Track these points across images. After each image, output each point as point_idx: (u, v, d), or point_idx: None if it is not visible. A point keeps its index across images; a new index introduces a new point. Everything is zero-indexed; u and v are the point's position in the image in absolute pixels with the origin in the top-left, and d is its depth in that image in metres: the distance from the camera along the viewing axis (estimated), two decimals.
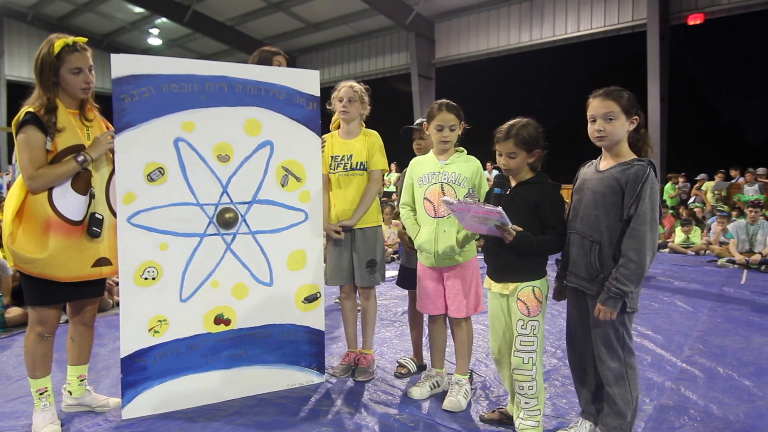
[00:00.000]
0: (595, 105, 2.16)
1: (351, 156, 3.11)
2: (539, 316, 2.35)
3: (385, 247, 3.58)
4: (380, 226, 3.21)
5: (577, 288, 2.27)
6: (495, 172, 13.38)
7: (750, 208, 7.78)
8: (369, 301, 3.22)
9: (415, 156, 3.08)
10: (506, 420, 2.57)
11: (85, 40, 2.52)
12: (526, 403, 2.37)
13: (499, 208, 2.14)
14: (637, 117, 2.14)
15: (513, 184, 2.42)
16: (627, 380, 2.18)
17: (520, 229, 2.25)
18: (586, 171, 2.31)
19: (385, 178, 13.08)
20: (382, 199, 9.95)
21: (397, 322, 4.45)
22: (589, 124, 2.20)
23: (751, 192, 10.17)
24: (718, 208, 10.57)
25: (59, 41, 2.43)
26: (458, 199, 2.35)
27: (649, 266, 2.08)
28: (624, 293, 2.07)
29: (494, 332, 2.51)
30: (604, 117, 2.14)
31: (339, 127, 4.00)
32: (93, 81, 2.54)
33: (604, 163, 2.23)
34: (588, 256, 2.19)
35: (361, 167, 3.11)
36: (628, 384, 2.18)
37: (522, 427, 2.39)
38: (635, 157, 2.15)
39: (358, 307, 3.31)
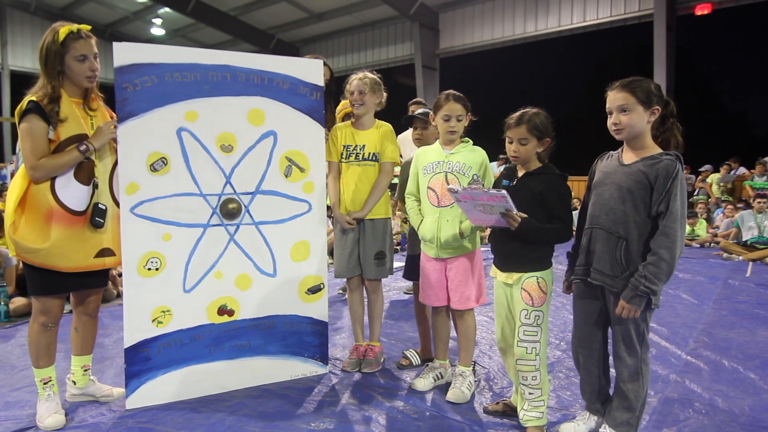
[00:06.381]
0: (611, 97, 2.13)
1: (364, 146, 3.08)
2: (543, 306, 2.33)
3: None
4: (390, 218, 3.20)
5: (593, 284, 2.21)
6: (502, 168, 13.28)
7: (758, 199, 7.72)
8: (376, 293, 3.21)
9: (416, 147, 3.06)
10: (510, 411, 2.56)
11: (89, 27, 2.50)
12: (530, 393, 2.35)
13: (504, 192, 2.12)
14: (658, 108, 2.08)
15: (520, 174, 2.40)
16: (641, 376, 2.15)
17: (525, 215, 2.22)
18: (608, 164, 2.24)
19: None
20: None
21: (395, 314, 4.45)
22: (608, 117, 2.16)
23: (761, 181, 10.06)
24: (723, 199, 10.50)
25: (64, 28, 2.41)
26: (463, 187, 2.33)
27: (677, 261, 2.04)
28: (653, 292, 2.03)
29: (499, 320, 2.50)
30: (618, 109, 2.10)
31: (344, 118, 3.99)
32: (98, 68, 2.52)
33: (628, 156, 2.16)
34: (614, 252, 2.12)
35: (373, 158, 3.09)
36: (642, 380, 2.15)
37: (526, 419, 2.38)
38: (661, 150, 2.10)
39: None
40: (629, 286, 2.07)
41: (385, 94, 3.20)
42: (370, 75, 3.12)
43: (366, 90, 3.07)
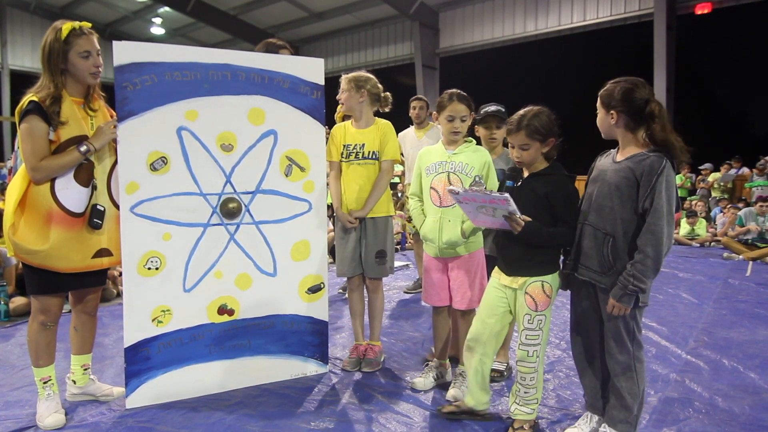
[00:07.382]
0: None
1: (363, 145, 3.08)
2: (546, 310, 2.32)
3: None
4: (391, 216, 3.19)
5: (586, 281, 2.23)
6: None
7: (760, 203, 7.73)
8: (377, 292, 3.21)
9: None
10: (464, 413, 2.53)
11: (90, 25, 2.49)
12: (525, 392, 2.36)
13: (506, 195, 2.10)
14: (614, 112, 2.13)
15: (525, 174, 2.37)
16: (635, 373, 2.16)
17: (529, 219, 2.20)
18: (603, 161, 2.27)
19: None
20: None
21: (396, 314, 4.44)
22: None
23: (760, 180, 10.06)
24: (719, 198, 10.51)
25: (66, 25, 2.41)
26: (464, 188, 2.32)
27: (664, 258, 2.05)
28: (641, 290, 2.03)
29: (481, 319, 2.43)
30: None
31: (343, 118, 3.99)
32: (102, 65, 2.51)
33: (621, 154, 2.19)
34: (601, 248, 2.14)
35: (373, 156, 3.09)
36: (636, 377, 2.16)
37: (517, 413, 2.39)
38: (651, 147, 2.11)
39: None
40: (618, 285, 2.08)
41: (387, 95, 3.19)
42: (361, 74, 3.13)
43: (345, 88, 3.09)
